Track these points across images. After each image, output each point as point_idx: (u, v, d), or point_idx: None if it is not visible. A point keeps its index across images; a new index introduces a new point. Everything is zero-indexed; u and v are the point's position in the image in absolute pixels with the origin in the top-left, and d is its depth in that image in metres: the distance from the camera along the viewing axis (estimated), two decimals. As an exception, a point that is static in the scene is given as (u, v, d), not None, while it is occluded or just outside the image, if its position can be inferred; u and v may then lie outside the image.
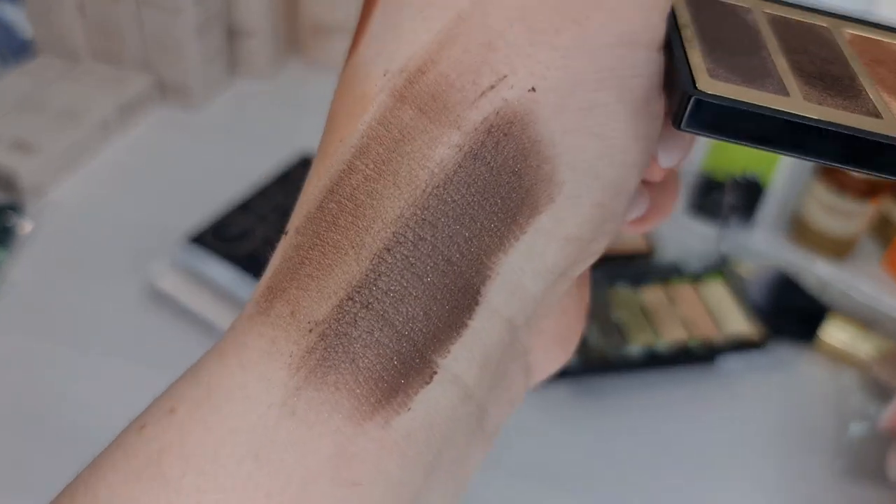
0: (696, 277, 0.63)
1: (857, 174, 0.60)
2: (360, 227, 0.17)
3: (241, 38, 0.80)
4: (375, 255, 0.17)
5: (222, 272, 0.57)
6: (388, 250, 0.17)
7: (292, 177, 0.66)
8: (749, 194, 0.68)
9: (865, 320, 0.61)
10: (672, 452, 0.53)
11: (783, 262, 0.65)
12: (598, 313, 0.58)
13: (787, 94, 0.17)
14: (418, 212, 0.17)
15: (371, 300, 0.17)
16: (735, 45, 0.18)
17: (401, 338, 0.17)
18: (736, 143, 0.17)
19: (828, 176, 0.65)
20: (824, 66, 0.18)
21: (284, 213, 0.61)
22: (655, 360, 0.56)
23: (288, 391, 0.16)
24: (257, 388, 0.16)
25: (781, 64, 0.18)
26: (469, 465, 0.19)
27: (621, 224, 0.20)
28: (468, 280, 0.17)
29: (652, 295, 0.61)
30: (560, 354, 0.22)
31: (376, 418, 0.16)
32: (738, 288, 0.62)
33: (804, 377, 0.59)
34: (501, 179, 0.17)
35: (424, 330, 0.17)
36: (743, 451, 0.54)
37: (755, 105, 0.16)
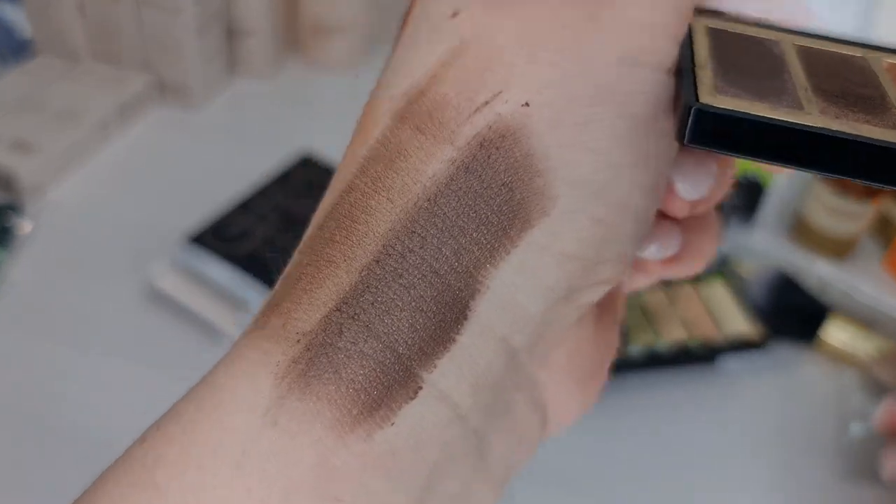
0: (697, 278, 0.63)
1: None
2: (353, 241, 0.17)
3: (240, 37, 0.80)
4: (365, 267, 0.17)
5: (222, 272, 0.57)
6: (377, 262, 0.17)
7: (292, 177, 0.66)
8: (750, 194, 0.68)
9: (866, 320, 0.61)
10: (672, 452, 0.53)
11: (784, 262, 0.65)
12: (599, 313, 0.58)
13: (800, 108, 0.16)
14: (408, 224, 0.17)
15: (357, 311, 0.16)
16: (753, 68, 0.18)
17: (385, 349, 0.16)
18: (745, 158, 0.16)
19: (828, 176, 0.65)
20: (852, 88, 0.17)
21: (284, 213, 0.61)
22: (656, 361, 0.56)
23: (272, 400, 0.16)
24: (243, 396, 0.16)
25: (802, 85, 0.17)
26: None
27: (633, 249, 0.19)
28: (457, 293, 0.17)
29: (652, 295, 0.61)
30: (580, 397, 0.22)
31: (358, 431, 0.16)
32: (739, 288, 0.62)
33: (804, 377, 0.59)
34: (493, 192, 0.17)
35: (409, 342, 0.17)
36: (743, 450, 0.54)
37: (758, 115, 0.16)
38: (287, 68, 0.86)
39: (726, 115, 0.16)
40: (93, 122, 0.71)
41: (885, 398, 0.54)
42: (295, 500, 0.15)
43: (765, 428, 0.55)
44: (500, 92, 0.17)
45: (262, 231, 0.60)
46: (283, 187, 0.65)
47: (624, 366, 0.56)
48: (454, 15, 0.19)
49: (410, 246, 0.17)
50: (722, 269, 0.64)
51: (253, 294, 0.56)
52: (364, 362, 0.16)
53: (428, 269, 0.17)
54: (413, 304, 0.17)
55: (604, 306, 0.22)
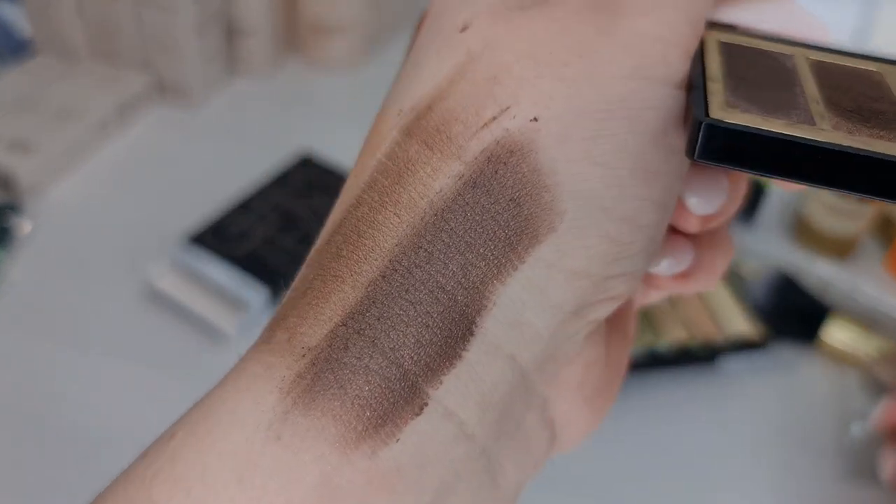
0: (697, 277, 0.63)
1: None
2: (360, 256, 0.17)
3: (240, 37, 0.80)
4: (371, 282, 0.17)
5: (222, 272, 0.57)
6: (384, 277, 0.17)
7: (292, 177, 0.66)
8: (751, 194, 0.68)
9: (867, 321, 0.61)
10: (672, 452, 0.53)
11: (784, 263, 0.65)
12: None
13: (812, 123, 0.16)
14: (415, 239, 0.17)
15: (363, 326, 0.16)
16: (765, 82, 0.17)
17: (390, 364, 0.16)
18: (755, 173, 0.16)
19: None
20: (866, 102, 0.17)
21: (284, 213, 0.61)
22: (656, 361, 0.56)
23: (276, 415, 0.16)
24: (247, 411, 0.16)
25: (815, 99, 0.17)
26: None
27: (643, 265, 0.19)
28: (463, 309, 0.17)
29: (653, 295, 0.61)
30: (589, 415, 0.21)
31: (363, 447, 0.16)
32: (739, 288, 0.62)
33: (805, 378, 0.59)
34: (500, 207, 0.17)
35: (415, 358, 0.16)
36: (743, 451, 0.54)
37: (770, 131, 0.15)
38: (287, 68, 0.85)
39: (737, 131, 0.15)
40: (92, 121, 0.71)
41: (884, 398, 0.54)
42: None
43: (765, 428, 0.55)
44: (508, 107, 0.17)
45: (261, 231, 0.60)
46: (282, 187, 0.64)
47: (624, 366, 0.55)
48: (464, 29, 0.18)
49: (417, 261, 0.17)
50: (722, 269, 0.64)
51: (252, 294, 0.56)
52: (369, 378, 0.16)
53: (434, 284, 0.17)
54: (419, 319, 0.16)
55: (614, 323, 0.22)
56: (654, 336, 0.57)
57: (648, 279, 0.22)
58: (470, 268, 0.17)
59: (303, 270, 0.18)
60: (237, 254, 0.58)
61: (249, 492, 0.15)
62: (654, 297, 0.23)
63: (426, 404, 0.16)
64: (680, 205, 0.20)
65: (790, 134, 0.15)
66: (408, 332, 0.16)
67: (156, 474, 0.16)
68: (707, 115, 0.16)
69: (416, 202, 0.17)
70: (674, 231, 0.21)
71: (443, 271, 0.17)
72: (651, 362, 0.56)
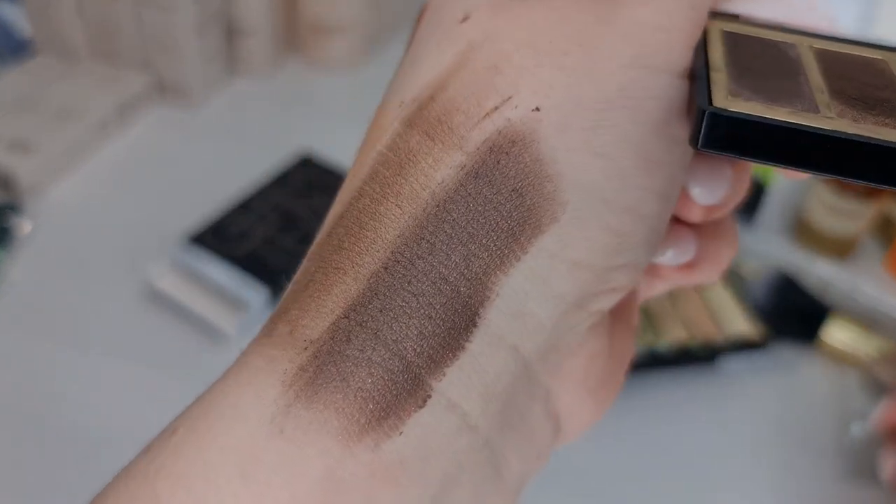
0: (697, 277, 0.63)
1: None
2: (361, 247, 0.17)
3: (240, 37, 0.80)
4: (373, 273, 0.17)
5: (222, 272, 0.57)
6: (386, 269, 0.17)
7: (292, 177, 0.66)
8: (751, 194, 0.68)
9: (867, 321, 0.61)
10: (672, 452, 0.53)
11: (784, 262, 0.65)
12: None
13: (816, 111, 0.16)
14: (417, 231, 0.17)
15: (366, 318, 0.16)
16: (768, 71, 0.17)
17: (393, 356, 0.16)
18: (760, 162, 0.16)
19: (829, 176, 0.65)
20: (871, 91, 0.17)
21: (284, 213, 0.61)
22: (656, 361, 0.56)
23: (278, 409, 0.16)
24: (249, 405, 0.16)
25: (819, 87, 0.17)
26: None
27: (646, 256, 0.19)
28: (466, 300, 0.17)
29: (653, 295, 0.61)
30: (593, 406, 0.21)
31: (366, 440, 0.16)
32: (740, 288, 0.62)
33: (805, 378, 0.59)
34: (502, 198, 0.17)
35: (418, 349, 0.16)
36: (743, 451, 0.54)
37: (774, 119, 0.15)
38: (287, 68, 0.85)
39: (741, 119, 0.15)
40: (92, 121, 0.70)
41: (884, 398, 0.54)
42: None
43: (765, 428, 0.55)
44: (509, 97, 0.17)
45: (261, 231, 0.60)
46: (282, 187, 0.64)
47: (624, 366, 0.55)
48: (464, 20, 0.18)
49: (419, 252, 0.17)
50: (722, 269, 0.64)
51: (252, 294, 0.56)
52: (372, 370, 0.16)
53: (437, 275, 0.17)
54: (422, 311, 0.16)
55: (617, 314, 0.22)
56: (654, 336, 0.57)
57: (653, 270, 0.22)
58: (473, 258, 0.17)
59: (304, 264, 0.18)
60: (237, 254, 0.58)
61: (253, 486, 0.15)
62: (658, 288, 0.23)
63: (429, 396, 0.16)
64: (683, 195, 0.20)
65: (794, 122, 0.15)
66: (410, 323, 0.16)
67: (158, 470, 0.16)
68: (710, 103, 0.15)
69: (417, 193, 0.17)
70: (678, 221, 0.21)
71: (445, 262, 0.17)
72: (651, 362, 0.56)
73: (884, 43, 0.19)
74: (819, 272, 0.64)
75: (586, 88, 0.17)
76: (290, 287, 0.18)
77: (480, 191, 0.17)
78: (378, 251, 0.17)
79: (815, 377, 0.59)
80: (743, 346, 0.58)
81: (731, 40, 0.18)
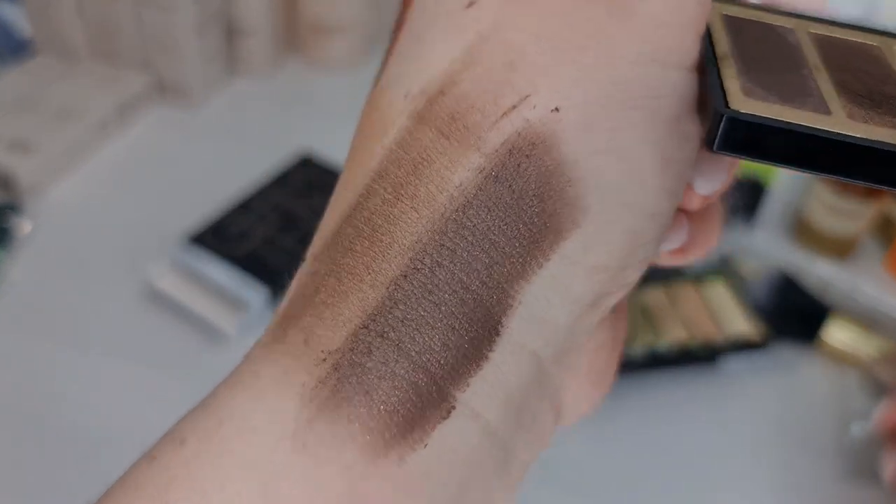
0: (698, 278, 0.63)
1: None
2: (377, 252, 0.16)
3: (240, 37, 0.80)
4: (392, 281, 0.16)
5: (222, 272, 0.57)
6: (405, 277, 0.16)
7: (292, 176, 0.66)
8: (751, 194, 0.68)
9: (867, 321, 0.61)
10: (673, 453, 0.53)
11: (784, 262, 0.65)
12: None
13: (828, 112, 0.16)
14: (437, 237, 0.16)
15: (386, 329, 0.16)
16: (774, 63, 0.17)
17: (417, 369, 0.16)
18: (772, 164, 0.16)
19: (829, 176, 0.65)
20: (874, 85, 0.17)
21: (284, 213, 0.61)
22: (656, 361, 0.56)
23: (299, 423, 0.15)
24: (267, 418, 0.15)
25: (824, 82, 0.17)
26: None
27: (656, 253, 0.19)
28: (489, 309, 0.16)
29: (653, 295, 0.61)
30: (593, 394, 0.21)
31: (391, 455, 0.15)
32: (740, 288, 0.62)
33: (805, 378, 0.59)
34: (524, 203, 0.16)
35: (442, 361, 0.16)
36: (744, 451, 0.54)
37: (791, 123, 0.15)
38: (287, 68, 0.85)
39: (757, 123, 0.15)
40: (92, 121, 0.70)
41: (885, 399, 0.54)
42: None
43: (765, 428, 0.55)
44: (527, 95, 0.16)
45: (261, 231, 0.60)
46: (282, 187, 0.64)
47: (624, 366, 0.55)
48: (470, 4, 0.17)
49: (440, 260, 0.16)
50: (723, 269, 0.64)
51: (253, 294, 0.56)
52: (396, 383, 0.16)
53: (459, 284, 0.16)
54: (444, 321, 0.16)
55: (617, 305, 0.22)
56: (654, 336, 0.57)
57: None
58: (495, 267, 0.16)
59: (309, 263, 0.18)
60: (237, 254, 0.58)
61: (273, 502, 0.15)
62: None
63: (453, 408, 0.16)
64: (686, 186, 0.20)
65: (811, 126, 0.15)
66: (433, 335, 0.16)
67: (170, 482, 0.15)
68: (727, 105, 0.15)
69: (434, 196, 0.16)
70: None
71: (467, 270, 0.16)
72: (651, 362, 0.56)
73: (874, 27, 0.19)
74: (819, 272, 0.64)
75: (605, 87, 0.16)
76: (294, 288, 0.18)
77: (501, 195, 0.16)
78: (395, 257, 0.16)
79: (816, 377, 0.59)
80: (743, 346, 0.58)
81: (734, 27, 0.18)
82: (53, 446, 0.48)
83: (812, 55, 0.18)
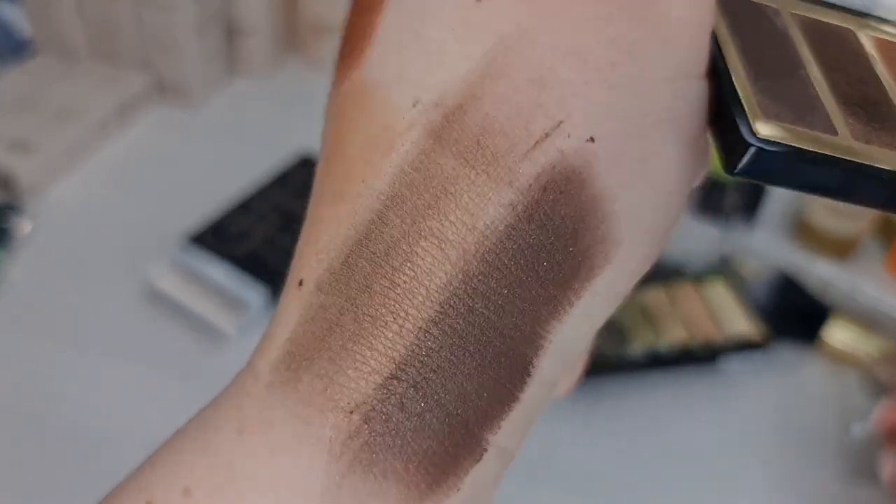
0: (698, 277, 0.63)
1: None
2: (400, 295, 0.15)
3: (240, 37, 0.80)
4: (421, 328, 0.15)
5: (222, 272, 0.57)
6: (436, 323, 0.15)
7: (292, 177, 0.66)
8: (751, 194, 0.68)
9: (868, 321, 0.61)
10: (673, 453, 0.53)
11: (785, 263, 0.65)
12: (600, 314, 0.58)
13: (835, 132, 0.16)
14: (467, 280, 0.15)
15: (419, 379, 0.15)
16: (775, 63, 0.17)
17: (451, 418, 0.15)
18: (788, 188, 0.16)
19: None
20: (861, 88, 0.17)
21: (284, 213, 0.61)
22: (656, 361, 0.56)
23: (330, 480, 0.15)
24: (292, 475, 0.15)
25: (822, 87, 0.17)
26: None
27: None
28: (521, 352, 0.15)
29: (653, 295, 0.61)
30: (570, 384, 0.21)
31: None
32: (740, 288, 0.62)
33: (806, 378, 0.59)
34: (558, 242, 0.15)
35: (476, 409, 0.15)
36: (744, 451, 0.54)
37: (812, 153, 0.15)
38: (287, 68, 0.85)
39: (781, 154, 0.15)
40: (92, 121, 0.70)
41: (884, 399, 0.54)
42: None
43: (766, 428, 0.55)
44: (560, 122, 0.15)
45: (261, 231, 0.60)
46: (282, 187, 0.64)
47: (624, 366, 0.55)
48: None
49: (471, 305, 0.15)
50: (723, 269, 0.64)
51: (252, 294, 0.56)
52: (430, 434, 0.15)
53: (492, 329, 0.15)
54: (479, 369, 0.15)
55: None
56: (654, 336, 0.57)
57: None
58: (528, 310, 0.15)
59: (314, 293, 0.16)
60: (237, 254, 0.58)
61: None
62: None
63: (486, 450, 0.16)
64: None
65: (824, 154, 0.15)
66: (467, 383, 0.15)
67: None
68: (753, 133, 0.15)
69: (462, 236, 0.15)
70: None
71: (500, 314, 0.15)
72: (651, 362, 0.56)
73: (849, 6, 0.19)
74: (820, 272, 0.64)
75: (636, 111, 0.15)
76: (297, 317, 0.16)
77: (535, 236, 0.15)
78: (420, 300, 0.15)
79: (816, 377, 0.59)
80: (743, 347, 0.57)
81: (728, 14, 0.17)
82: (53, 446, 0.48)
83: (802, 46, 0.17)
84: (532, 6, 0.15)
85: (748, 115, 0.15)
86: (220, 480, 0.15)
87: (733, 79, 0.16)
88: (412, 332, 0.15)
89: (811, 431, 0.55)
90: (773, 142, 0.15)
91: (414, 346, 0.15)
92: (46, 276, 0.59)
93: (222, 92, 0.80)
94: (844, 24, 0.19)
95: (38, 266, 0.60)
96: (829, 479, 0.52)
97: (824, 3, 0.19)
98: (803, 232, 0.68)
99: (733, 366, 0.58)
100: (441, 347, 0.15)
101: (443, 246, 0.15)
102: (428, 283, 0.15)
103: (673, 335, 0.57)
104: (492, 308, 0.15)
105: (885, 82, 0.17)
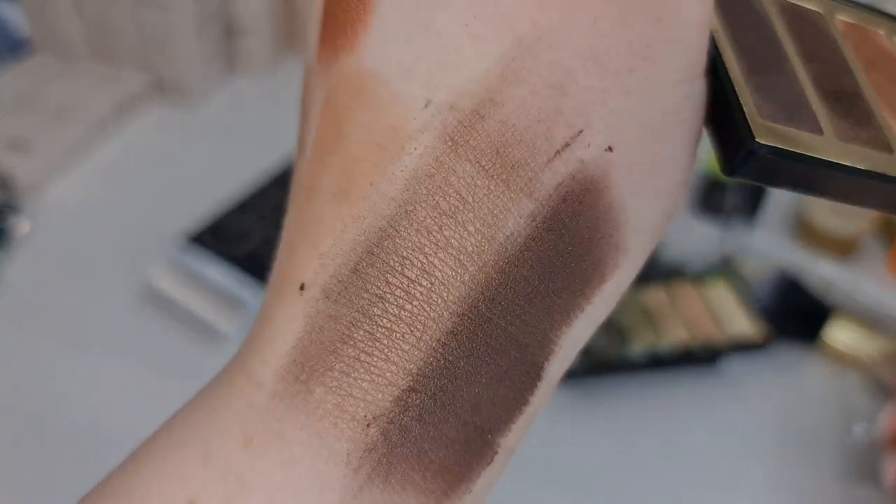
0: (699, 278, 0.63)
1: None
2: (415, 308, 0.15)
3: (239, 35, 0.80)
4: (438, 340, 0.15)
5: (221, 272, 0.56)
6: (453, 334, 0.15)
7: (291, 176, 0.66)
8: (752, 194, 0.68)
9: (869, 321, 0.61)
10: (674, 453, 0.52)
11: (786, 263, 0.65)
12: (600, 314, 0.58)
13: (820, 131, 0.16)
14: (485, 291, 0.15)
15: (436, 390, 0.15)
16: (764, 56, 0.17)
17: (467, 426, 0.15)
18: (784, 189, 0.16)
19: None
20: (837, 79, 0.17)
21: (284, 213, 0.61)
22: (657, 362, 0.56)
23: (346, 492, 0.14)
24: (306, 487, 0.14)
25: (805, 81, 0.17)
26: None
27: None
28: (534, 359, 0.16)
29: (654, 295, 0.61)
30: None
31: None
32: (741, 288, 0.62)
33: (807, 378, 0.58)
34: (575, 252, 0.15)
35: (492, 416, 0.15)
36: (745, 452, 0.53)
37: (804, 156, 0.15)
38: (286, 67, 0.85)
39: (777, 159, 0.15)
40: (90, 121, 0.70)
41: (888, 402, 0.54)
42: None
43: (766, 429, 0.55)
44: (579, 131, 0.14)
45: (261, 231, 0.60)
46: (282, 187, 0.64)
47: (625, 366, 0.55)
48: None
49: (489, 315, 0.15)
50: (724, 269, 0.63)
51: (251, 294, 0.55)
52: (447, 443, 0.15)
53: (508, 339, 0.15)
54: (495, 378, 0.15)
55: None
56: (655, 337, 0.57)
57: None
58: (543, 318, 0.15)
59: (321, 301, 0.15)
60: (236, 254, 0.57)
61: None
62: None
63: (496, 453, 0.16)
64: None
65: (812, 156, 0.15)
66: (484, 392, 0.15)
67: None
68: (753, 136, 0.15)
69: (482, 248, 0.15)
70: None
71: (516, 323, 0.15)
72: (652, 363, 0.56)
73: None
74: (821, 272, 0.64)
75: (650, 118, 0.15)
76: (300, 324, 0.15)
77: (553, 245, 0.15)
78: (437, 312, 0.15)
79: (817, 378, 0.58)
80: (744, 347, 0.57)
81: (718, 2, 0.17)
82: (51, 445, 0.48)
83: (784, 35, 0.17)
84: (548, 3, 0.14)
85: (748, 119, 0.15)
86: (230, 492, 0.15)
87: (731, 78, 0.16)
88: (430, 344, 0.15)
89: (812, 432, 0.55)
90: (771, 147, 0.15)
91: (431, 358, 0.15)
92: (45, 276, 0.59)
93: (221, 91, 0.80)
94: (816, 8, 0.19)
95: (36, 266, 0.60)
96: (830, 479, 0.52)
97: None
98: (804, 232, 0.68)
99: (734, 366, 0.58)
100: (458, 358, 0.15)
101: (461, 257, 0.15)
102: (446, 295, 0.15)
103: (673, 335, 0.57)
104: (508, 318, 0.15)
105: (854, 72, 0.18)
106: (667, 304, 0.60)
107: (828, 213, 0.65)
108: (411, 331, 0.15)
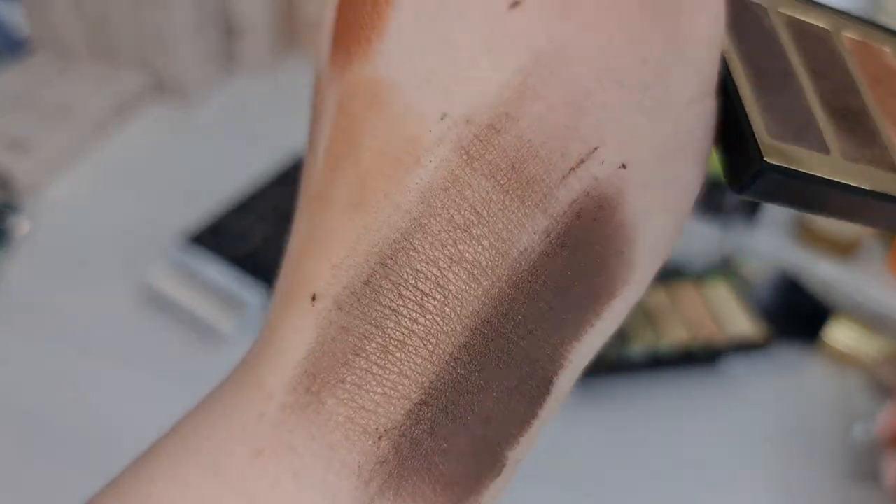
0: (699, 278, 0.63)
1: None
2: (428, 322, 0.15)
3: (238, 35, 0.80)
4: (451, 354, 0.15)
5: (221, 272, 0.56)
6: (466, 349, 0.15)
7: (291, 176, 0.66)
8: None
9: (870, 321, 0.61)
10: (674, 454, 0.52)
11: (787, 263, 0.65)
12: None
13: (827, 150, 0.16)
14: (499, 306, 0.15)
15: (448, 405, 0.15)
16: (773, 73, 0.17)
17: (477, 439, 0.15)
18: (789, 207, 0.16)
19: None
20: (843, 97, 0.17)
21: (284, 213, 0.61)
22: (657, 362, 0.56)
23: (357, 502, 0.15)
24: (319, 500, 0.15)
25: (813, 99, 0.17)
26: None
27: None
28: (545, 373, 0.16)
29: (654, 296, 0.60)
30: None
31: None
32: (741, 289, 0.62)
33: (808, 379, 0.58)
34: (588, 268, 0.15)
35: (502, 430, 0.15)
36: (746, 452, 0.53)
37: (814, 177, 0.15)
38: (285, 66, 0.85)
39: (785, 178, 0.15)
40: (90, 120, 0.70)
41: (888, 402, 0.54)
42: None
43: (767, 429, 0.55)
44: (595, 148, 0.14)
45: (261, 231, 0.60)
46: (282, 187, 0.64)
47: (625, 367, 0.55)
48: (514, 5, 0.14)
49: (502, 331, 0.15)
50: (724, 269, 0.63)
51: (251, 294, 0.55)
52: (458, 456, 0.15)
53: (520, 353, 0.15)
54: (505, 392, 0.15)
55: None
56: (655, 337, 0.57)
57: None
58: (554, 333, 0.15)
59: (333, 312, 0.15)
60: (236, 254, 0.57)
61: None
62: None
63: (504, 465, 0.16)
64: None
65: (819, 176, 0.16)
66: (494, 406, 0.15)
67: None
68: (761, 157, 0.15)
69: (496, 263, 0.15)
70: None
71: (528, 338, 0.15)
72: (652, 363, 0.56)
73: (829, 4, 0.19)
74: (821, 272, 0.64)
75: (663, 136, 0.15)
76: (311, 335, 0.15)
77: (567, 262, 0.15)
78: (452, 328, 0.15)
79: (818, 378, 0.58)
80: (745, 347, 0.57)
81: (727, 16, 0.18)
82: (50, 445, 0.48)
83: (791, 52, 0.18)
84: (565, 18, 0.14)
85: (757, 138, 0.15)
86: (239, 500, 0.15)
87: (741, 97, 0.16)
88: (442, 358, 0.15)
89: (812, 432, 0.55)
90: (779, 167, 0.15)
91: (444, 372, 0.15)
92: (45, 276, 0.59)
93: (221, 91, 0.80)
94: (823, 25, 0.19)
95: (36, 266, 0.60)
96: (830, 479, 0.52)
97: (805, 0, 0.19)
98: (805, 232, 0.68)
99: (734, 366, 0.58)
100: (470, 372, 0.15)
101: (475, 272, 0.15)
102: (459, 310, 0.15)
103: (674, 336, 0.57)
104: (521, 333, 0.15)
105: (861, 89, 0.18)
106: (667, 304, 0.60)
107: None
108: (424, 344, 0.15)
